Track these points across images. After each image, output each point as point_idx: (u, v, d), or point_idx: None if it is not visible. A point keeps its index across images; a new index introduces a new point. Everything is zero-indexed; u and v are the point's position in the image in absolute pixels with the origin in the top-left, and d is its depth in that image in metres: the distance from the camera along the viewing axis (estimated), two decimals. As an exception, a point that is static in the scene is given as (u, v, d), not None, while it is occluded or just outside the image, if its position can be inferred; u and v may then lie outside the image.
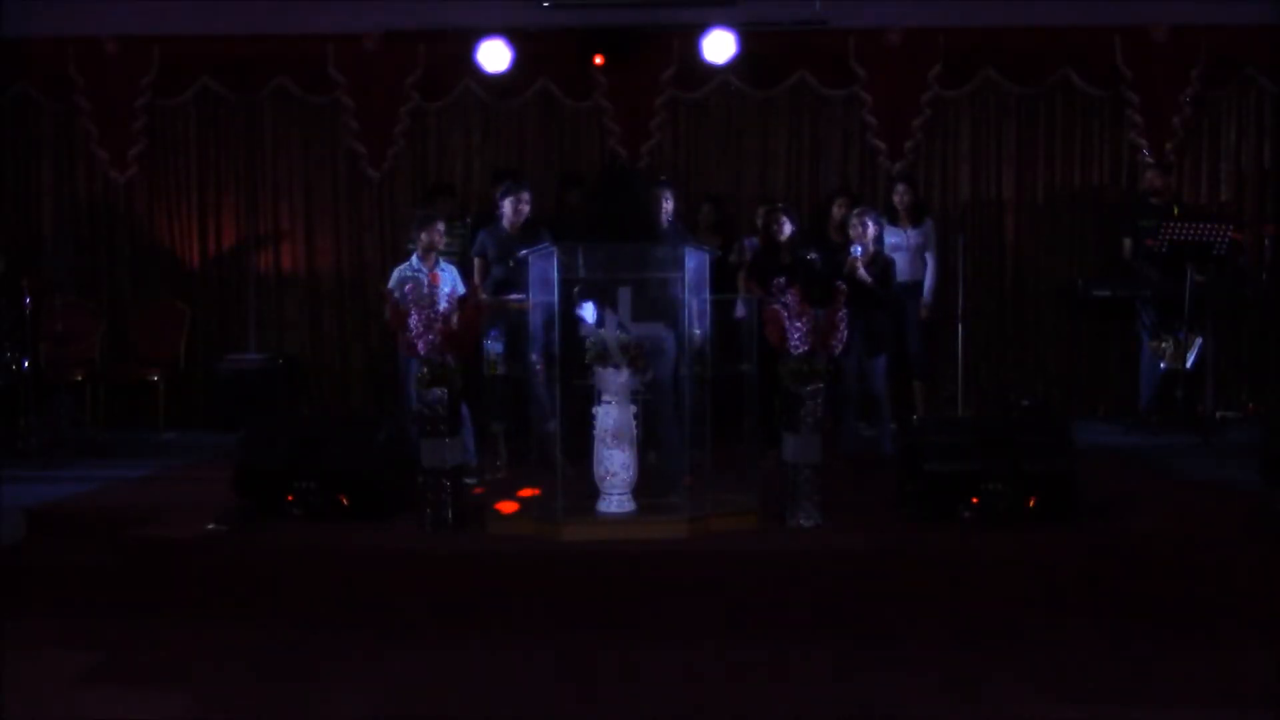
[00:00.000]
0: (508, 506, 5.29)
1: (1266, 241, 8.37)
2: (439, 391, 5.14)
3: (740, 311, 6.32)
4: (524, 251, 5.88)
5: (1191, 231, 7.49)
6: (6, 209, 9.06)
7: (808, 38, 8.70)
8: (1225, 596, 4.65)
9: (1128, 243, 8.27)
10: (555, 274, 5.24)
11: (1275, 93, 8.69)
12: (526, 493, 5.43)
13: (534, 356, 5.44)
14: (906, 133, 8.74)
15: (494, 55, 8.47)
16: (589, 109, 8.92)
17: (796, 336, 5.12)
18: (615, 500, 5.15)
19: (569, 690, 4.00)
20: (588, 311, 5.30)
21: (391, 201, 9.02)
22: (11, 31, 8.59)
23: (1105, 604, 4.65)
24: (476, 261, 6.66)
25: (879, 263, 6.80)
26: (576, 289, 5.34)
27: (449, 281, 6.33)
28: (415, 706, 3.87)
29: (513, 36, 8.49)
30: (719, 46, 8.41)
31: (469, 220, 8.15)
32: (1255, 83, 8.70)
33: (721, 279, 6.99)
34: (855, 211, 6.98)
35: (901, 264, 7.69)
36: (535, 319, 5.66)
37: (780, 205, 7.22)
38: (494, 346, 6.51)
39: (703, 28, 8.45)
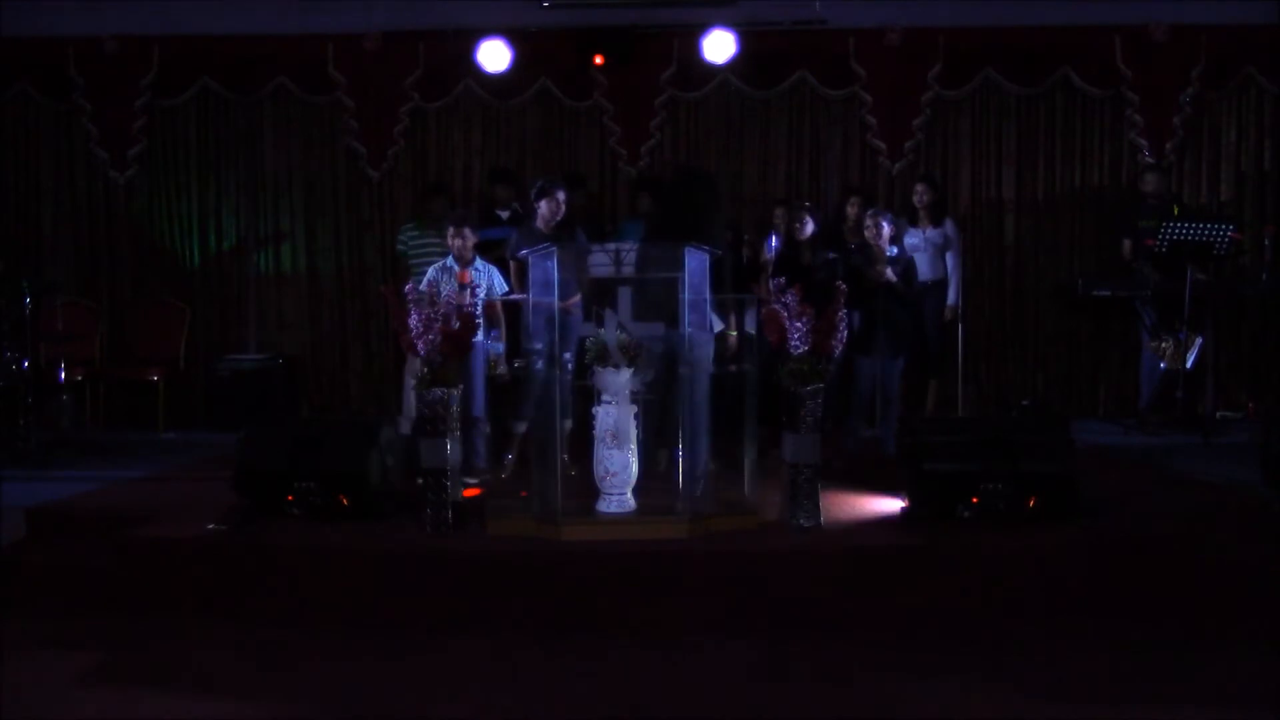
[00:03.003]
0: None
1: (1266, 241, 8.36)
2: (439, 391, 5.13)
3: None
4: (524, 251, 5.87)
5: (1191, 231, 7.49)
6: (6, 209, 9.07)
7: (808, 38, 8.70)
8: (1225, 596, 4.66)
9: (1128, 243, 8.28)
10: (555, 274, 5.25)
11: (1275, 93, 8.70)
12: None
13: (566, 356, 5.41)
14: (906, 133, 8.74)
15: (494, 55, 8.47)
16: (589, 109, 8.92)
17: (796, 336, 5.11)
18: (615, 500, 5.15)
19: (570, 690, 4.01)
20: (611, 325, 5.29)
21: (391, 201, 9.02)
22: (11, 31, 8.59)
23: (1105, 604, 4.66)
24: (513, 264, 6.61)
25: (900, 262, 6.79)
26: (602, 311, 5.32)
27: (483, 280, 6.31)
28: (416, 705, 3.87)
29: (513, 36, 8.49)
30: (719, 46, 8.41)
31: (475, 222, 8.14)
32: (1255, 83, 8.70)
33: (737, 277, 6.99)
34: (869, 213, 6.95)
35: (921, 264, 7.67)
36: (575, 318, 5.63)
37: (807, 204, 7.18)
38: (494, 347, 6.50)
39: (703, 28, 8.45)
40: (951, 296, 8.07)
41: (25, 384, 7.19)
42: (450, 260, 6.39)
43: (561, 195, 6.53)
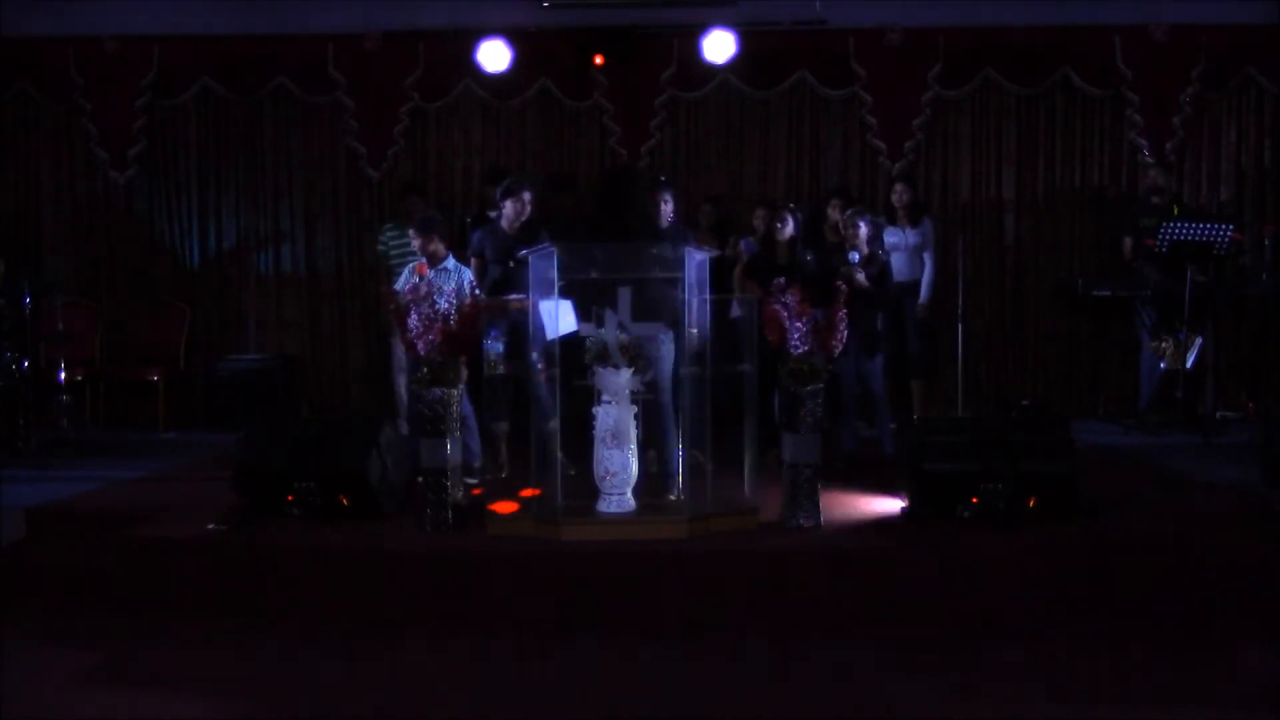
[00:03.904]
0: (506, 507, 5.28)
1: (1266, 241, 8.36)
2: (439, 391, 5.13)
3: (735, 311, 6.31)
4: (524, 251, 5.87)
5: (1192, 231, 7.49)
6: (6, 209, 9.07)
7: (808, 38, 8.71)
8: (1225, 596, 4.65)
9: (1128, 242, 8.27)
10: (555, 274, 5.24)
11: (1275, 93, 8.70)
12: (528, 493, 5.41)
13: (534, 356, 5.42)
14: (906, 133, 8.74)
15: (494, 55, 8.47)
16: (589, 109, 8.92)
17: (796, 336, 5.11)
18: (615, 500, 5.14)
19: (569, 690, 4.01)
20: (550, 315, 5.24)
21: (391, 201, 9.02)
22: (11, 31, 8.60)
23: (1105, 604, 4.65)
24: (473, 261, 6.64)
25: (875, 263, 6.79)
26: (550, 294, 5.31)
27: (452, 280, 6.30)
28: (415, 706, 3.87)
29: (513, 36, 8.50)
30: (719, 46, 8.42)
31: (469, 220, 8.15)
32: (1255, 83, 8.70)
33: (718, 277, 6.97)
34: (848, 213, 6.97)
35: (900, 264, 7.69)
36: (534, 319, 5.64)
37: (790, 206, 7.19)
38: (493, 346, 6.50)
39: (703, 28, 8.46)
40: (924, 295, 8.07)
41: (25, 384, 7.19)
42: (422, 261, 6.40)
43: (528, 196, 6.56)
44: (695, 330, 5.31)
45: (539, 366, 5.34)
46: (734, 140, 9.01)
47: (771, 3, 8.65)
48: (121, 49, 8.81)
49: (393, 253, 7.82)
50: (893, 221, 8.01)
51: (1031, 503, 5.13)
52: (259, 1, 8.72)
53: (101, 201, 9.12)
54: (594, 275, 5.27)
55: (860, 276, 6.64)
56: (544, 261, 5.29)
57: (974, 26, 8.66)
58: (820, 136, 8.97)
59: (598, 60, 8.69)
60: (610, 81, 8.78)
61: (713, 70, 8.69)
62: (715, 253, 5.91)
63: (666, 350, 5.57)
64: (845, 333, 5.26)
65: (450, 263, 6.40)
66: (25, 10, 8.58)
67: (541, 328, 5.30)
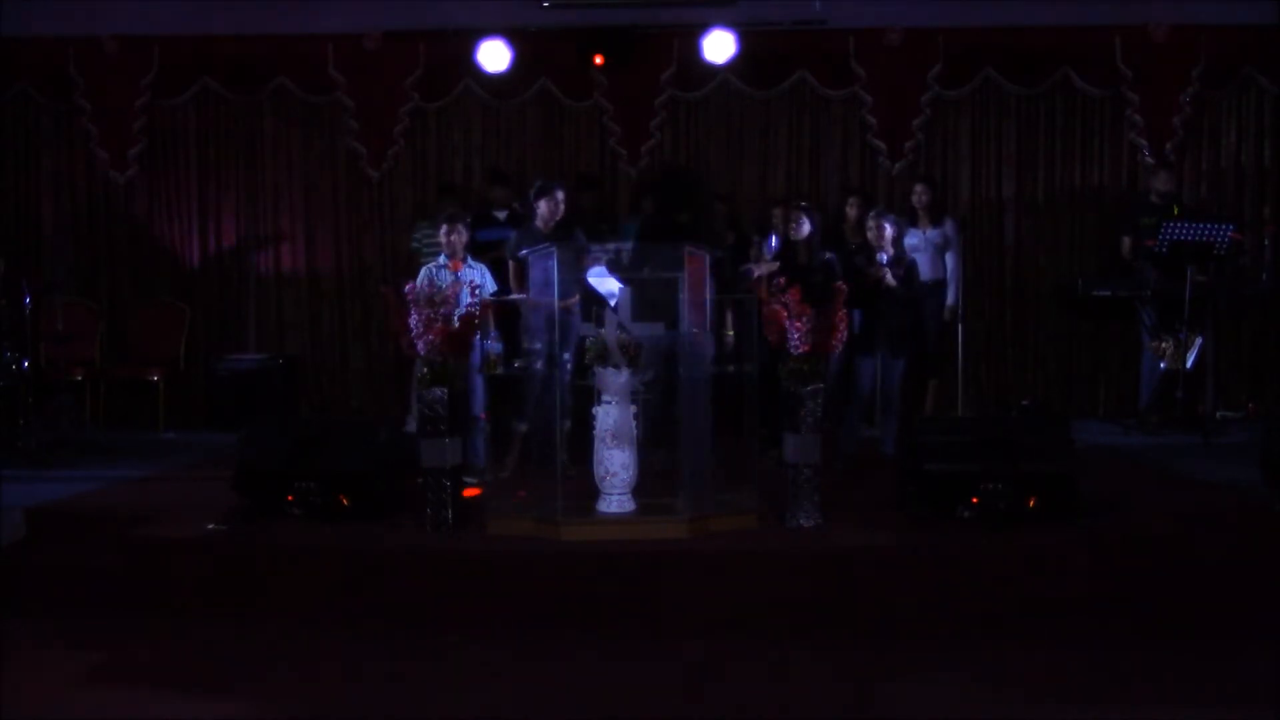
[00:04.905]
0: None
1: (1266, 241, 8.36)
2: (439, 391, 5.14)
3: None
4: (524, 251, 5.88)
5: (1192, 231, 7.49)
6: (6, 209, 9.06)
7: (808, 38, 8.70)
8: (1225, 596, 4.66)
9: (1127, 240, 8.27)
10: (555, 274, 5.25)
11: (1275, 93, 8.69)
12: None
13: (566, 356, 5.42)
14: (906, 133, 8.74)
15: (494, 55, 8.47)
16: (589, 109, 8.92)
17: (796, 336, 5.11)
18: (615, 500, 5.15)
19: (569, 690, 4.01)
20: (601, 282, 5.28)
21: (391, 201, 9.03)
22: (11, 31, 8.59)
23: (1105, 604, 4.66)
24: (512, 265, 6.62)
25: (901, 264, 6.80)
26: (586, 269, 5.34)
27: (476, 279, 6.31)
28: (415, 705, 3.87)
29: (513, 36, 8.49)
30: (719, 46, 8.41)
31: (468, 220, 8.15)
32: (1255, 83, 8.69)
33: (738, 277, 7.00)
34: (871, 214, 6.96)
35: (921, 264, 7.67)
36: (574, 318, 5.67)
37: (803, 204, 7.19)
38: (493, 346, 6.50)
39: (703, 28, 8.45)
40: (951, 296, 8.06)
41: (25, 384, 7.19)
42: (444, 258, 6.44)
43: (560, 195, 6.56)
44: (731, 332, 5.33)
45: (569, 366, 5.35)
46: (734, 140, 9.00)
47: (771, 3, 8.64)
48: (121, 49, 8.81)
49: (425, 250, 7.84)
50: (913, 222, 7.99)
51: (1031, 503, 5.14)
52: (259, 1, 8.71)
53: (101, 201, 9.12)
54: (647, 274, 5.30)
55: (889, 277, 6.64)
56: (548, 260, 5.31)
57: (974, 26, 8.65)
58: (820, 136, 8.96)
59: (598, 60, 8.68)
60: (610, 81, 8.78)
61: (713, 70, 8.68)
62: (718, 253, 5.92)
63: (703, 349, 5.55)
64: (845, 332, 5.26)
65: (470, 260, 6.47)
66: (25, 10, 8.57)
67: (607, 295, 5.32)
